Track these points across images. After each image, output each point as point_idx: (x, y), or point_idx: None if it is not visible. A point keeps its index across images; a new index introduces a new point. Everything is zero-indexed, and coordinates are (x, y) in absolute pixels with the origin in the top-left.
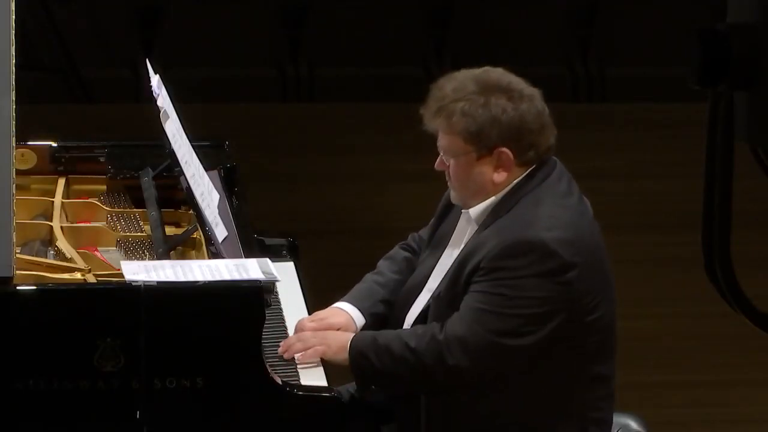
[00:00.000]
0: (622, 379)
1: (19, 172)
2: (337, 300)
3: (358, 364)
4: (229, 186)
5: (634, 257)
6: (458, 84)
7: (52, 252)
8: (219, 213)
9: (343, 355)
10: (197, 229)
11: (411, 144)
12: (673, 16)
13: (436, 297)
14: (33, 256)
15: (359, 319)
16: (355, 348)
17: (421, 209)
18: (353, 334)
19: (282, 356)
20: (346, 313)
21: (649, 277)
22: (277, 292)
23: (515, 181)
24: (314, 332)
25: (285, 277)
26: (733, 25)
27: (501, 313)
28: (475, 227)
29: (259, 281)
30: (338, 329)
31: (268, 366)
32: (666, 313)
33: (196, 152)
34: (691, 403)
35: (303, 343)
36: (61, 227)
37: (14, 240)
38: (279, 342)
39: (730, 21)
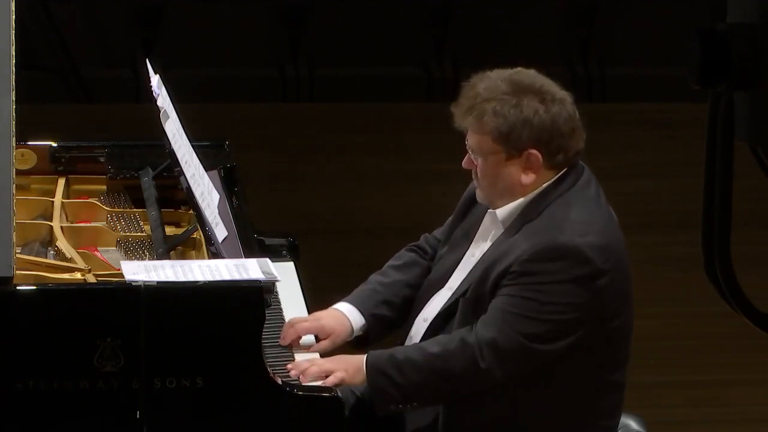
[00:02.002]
0: None
1: (19, 172)
2: (337, 300)
3: (378, 384)
4: (229, 186)
5: (634, 257)
6: (491, 83)
7: (52, 252)
8: (219, 213)
9: (360, 378)
10: (197, 229)
11: (411, 144)
12: (673, 16)
13: (462, 298)
14: (33, 256)
15: (356, 320)
16: (373, 367)
17: (422, 209)
18: (365, 355)
19: (282, 356)
20: (343, 314)
21: (649, 277)
22: (277, 292)
23: (544, 185)
24: (330, 358)
25: (285, 277)
26: (732, 25)
27: (531, 317)
28: (501, 229)
29: (259, 281)
30: (332, 332)
31: (268, 366)
32: (666, 313)
33: (196, 152)
34: (691, 403)
35: (318, 368)
36: (61, 227)
37: (14, 240)
38: (279, 342)
39: (730, 21)
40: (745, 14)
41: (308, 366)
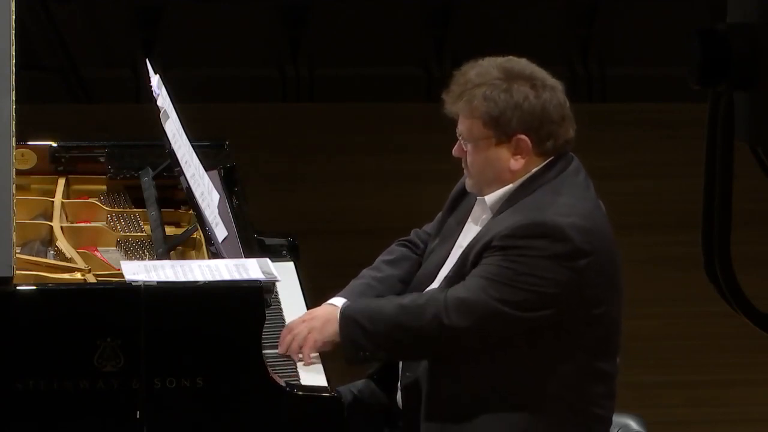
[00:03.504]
0: (622, 379)
1: (19, 172)
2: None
3: (349, 332)
4: (229, 186)
5: (634, 257)
6: (482, 70)
7: (52, 252)
8: (219, 213)
9: (332, 327)
10: (197, 229)
11: (411, 144)
12: (673, 16)
13: (447, 278)
14: (33, 256)
15: None
16: (346, 314)
17: (422, 208)
18: (337, 308)
19: (282, 356)
20: (338, 309)
21: (649, 277)
22: (277, 292)
23: (533, 171)
24: (301, 321)
25: (285, 277)
26: (732, 25)
27: (506, 284)
28: (490, 214)
29: (259, 281)
30: None
31: (268, 366)
32: (666, 313)
33: (196, 152)
34: (691, 403)
35: (296, 340)
36: (61, 227)
37: (14, 240)
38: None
39: (730, 21)
40: (745, 14)
41: (290, 340)
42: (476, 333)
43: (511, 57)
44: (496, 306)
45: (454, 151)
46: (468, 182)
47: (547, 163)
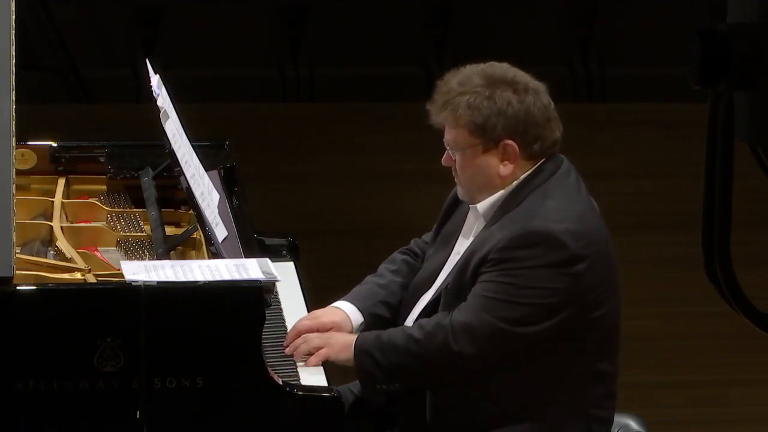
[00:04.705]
0: (622, 379)
1: (19, 172)
2: (336, 300)
3: (363, 364)
4: (229, 186)
5: (634, 257)
6: (463, 78)
7: (52, 252)
8: (219, 213)
9: (347, 355)
10: (197, 229)
11: (411, 144)
12: (673, 16)
13: (444, 288)
14: (33, 256)
15: (357, 318)
16: (360, 347)
17: (421, 209)
18: (357, 335)
19: (282, 356)
20: (343, 311)
21: (649, 277)
22: (277, 292)
23: (523, 176)
24: (319, 333)
25: (285, 277)
26: (732, 25)
27: (508, 301)
28: (483, 222)
29: (259, 281)
30: (332, 327)
31: (268, 366)
32: (666, 313)
33: (196, 152)
34: (691, 403)
35: (307, 344)
36: (61, 227)
37: (14, 240)
38: (279, 342)
39: (730, 21)
40: (745, 14)
41: (300, 343)
42: (484, 355)
43: (492, 62)
44: (501, 327)
45: (443, 161)
46: (459, 191)
47: (537, 167)
